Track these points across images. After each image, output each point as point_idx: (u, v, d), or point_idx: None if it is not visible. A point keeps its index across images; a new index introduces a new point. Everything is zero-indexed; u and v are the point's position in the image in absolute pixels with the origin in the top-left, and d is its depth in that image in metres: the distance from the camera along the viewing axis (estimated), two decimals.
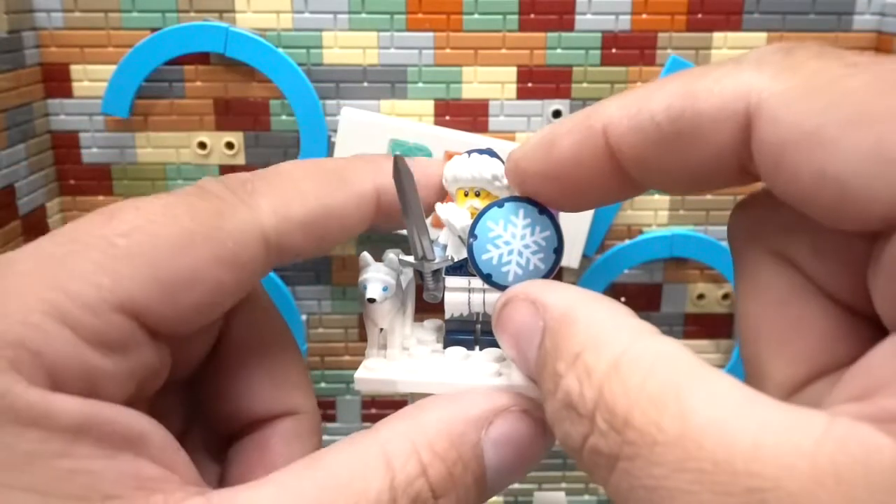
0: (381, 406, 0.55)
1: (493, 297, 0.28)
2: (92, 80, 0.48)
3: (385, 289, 0.28)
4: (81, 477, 0.20)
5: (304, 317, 0.53)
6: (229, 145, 0.49)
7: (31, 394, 0.20)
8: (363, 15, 0.48)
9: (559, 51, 0.49)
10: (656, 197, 0.51)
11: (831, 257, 0.22)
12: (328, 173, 0.28)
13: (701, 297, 0.53)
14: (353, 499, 0.22)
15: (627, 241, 0.51)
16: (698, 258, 0.51)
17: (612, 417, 0.19)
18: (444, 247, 0.29)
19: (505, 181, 0.28)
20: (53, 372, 0.21)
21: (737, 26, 0.48)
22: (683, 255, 0.51)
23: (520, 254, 0.27)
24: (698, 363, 0.20)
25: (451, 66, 0.49)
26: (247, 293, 0.26)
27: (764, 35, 0.49)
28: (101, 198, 0.50)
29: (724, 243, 0.47)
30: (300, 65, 0.47)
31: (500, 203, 0.27)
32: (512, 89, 0.49)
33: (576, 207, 0.26)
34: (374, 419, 0.55)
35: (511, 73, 0.49)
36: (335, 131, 0.48)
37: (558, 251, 0.27)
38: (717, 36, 0.49)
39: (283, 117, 0.49)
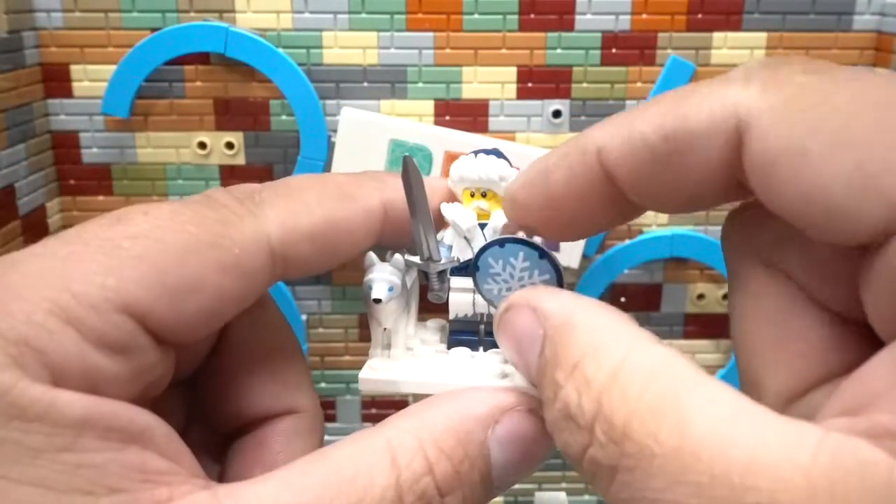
0: (381, 406, 0.55)
1: None
2: (92, 80, 0.48)
3: (391, 289, 0.28)
4: (87, 471, 0.20)
5: (304, 317, 0.53)
6: (229, 145, 0.49)
7: (35, 389, 0.20)
8: (363, 15, 0.48)
9: (559, 51, 0.49)
10: None
11: (823, 268, 0.23)
12: (335, 188, 0.28)
13: (701, 297, 0.53)
14: (358, 495, 0.22)
15: (627, 241, 0.51)
16: (698, 258, 0.51)
17: (611, 429, 0.19)
18: (450, 247, 0.29)
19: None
20: (56, 370, 0.21)
21: (737, 26, 0.49)
22: (683, 256, 0.51)
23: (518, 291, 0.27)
24: (696, 372, 0.20)
25: (451, 66, 0.49)
26: (251, 303, 0.26)
27: (764, 35, 0.49)
28: (101, 198, 0.50)
29: None
30: (300, 65, 0.47)
31: (501, 242, 0.27)
32: (512, 89, 0.49)
33: (576, 236, 0.27)
34: (374, 419, 0.55)
35: (511, 73, 0.49)
36: (335, 131, 0.48)
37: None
38: (717, 36, 0.49)
39: (283, 117, 0.49)
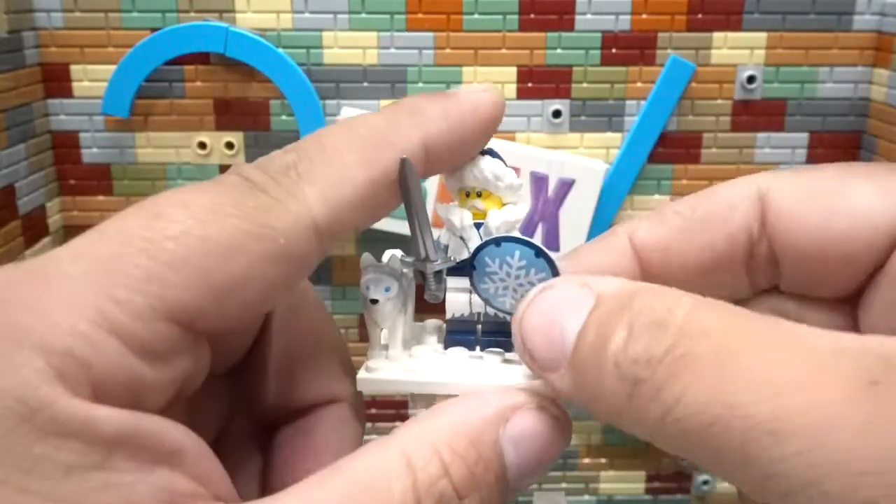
0: (381, 406, 0.55)
1: None
2: (92, 80, 0.48)
3: (387, 289, 0.28)
4: (116, 490, 0.20)
5: None
6: (229, 145, 0.49)
7: (73, 405, 0.20)
8: (363, 15, 0.48)
9: (559, 51, 0.49)
10: (656, 197, 0.51)
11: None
12: (371, 137, 0.26)
13: None
14: (377, 502, 0.22)
15: None
16: None
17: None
18: (446, 247, 0.29)
19: (507, 181, 0.28)
20: (99, 382, 0.20)
21: (737, 26, 0.48)
22: None
23: (514, 290, 0.27)
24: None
25: (451, 66, 0.49)
26: (298, 285, 0.26)
27: (764, 35, 0.49)
28: (100, 198, 0.50)
29: None
30: (300, 65, 0.47)
31: (497, 241, 0.27)
32: (512, 89, 0.49)
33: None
34: (374, 419, 0.55)
35: (511, 73, 0.49)
36: None
37: None
38: (717, 36, 0.49)
39: (283, 117, 0.49)
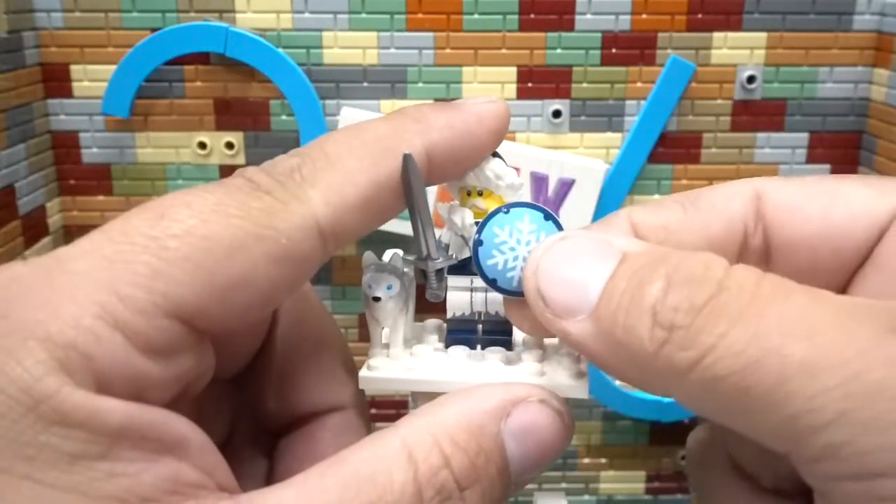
0: (381, 406, 0.55)
1: (495, 296, 0.28)
2: (92, 80, 0.48)
3: (389, 288, 0.28)
4: (120, 479, 0.20)
5: None
6: (229, 145, 0.49)
7: (77, 396, 0.20)
8: (363, 15, 0.48)
9: (559, 51, 0.49)
10: (656, 197, 0.51)
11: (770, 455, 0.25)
12: (375, 143, 0.26)
13: None
14: (377, 492, 0.22)
15: None
16: None
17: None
18: (447, 246, 0.29)
19: (507, 180, 0.28)
20: (102, 376, 0.21)
21: (737, 26, 0.49)
22: None
23: (524, 259, 0.27)
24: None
25: (451, 66, 0.49)
26: (301, 287, 0.26)
27: (764, 35, 0.49)
28: (100, 198, 0.50)
29: None
30: (300, 65, 0.47)
31: (505, 208, 0.27)
32: (512, 89, 0.49)
33: None
34: (374, 419, 0.55)
35: (511, 73, 0.49)
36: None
37: None
38: (717, 36, 0.49)
39: (283, 117, 0.49)
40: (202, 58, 0.48)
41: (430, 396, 0.28)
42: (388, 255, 0.29)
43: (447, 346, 0.30)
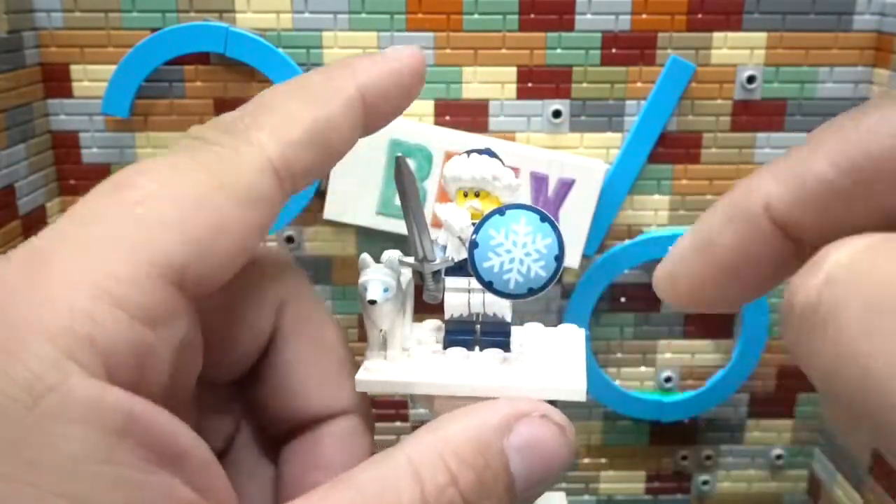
0: (380, 406, 0.55)
1: (493, 298, 0.28)
2: (92, 80, 0.48)
3: (386, 290, 0.28)
4: (122, 488, 0.20)
5: None
6: None
7: (83, 387, 0.20)
8: (363, 15, 0.48)
9: (559, 51, 0.49)
10: (656, 197, 0.51)
11: None
12: (311, 89, 0.27)
13: None
14: None
15: (627, 241, 0.51)
16: None
17: None
18: (444, 247, 0.29)
19: (505, 181, 0.28)
20: (106, 354, 0.20)
21: (737, 26, 0.48)
22: None
23: (521, 262, 0.27)
24: None
25: (451, 66, 0.49)
26: (271, 227, 0.26)
27: (764, 35, 0.49)
28: None
29: None
30: (300, 65, 0.47)
31: (501, 210, 0.27)
32: (512, 89, 0.49)
33: (739, 304, 0.24)
34: (374, 419, 0.55)
35: (511, 73, 0.49)
36: None
37: (559, 258, 0.27)
38: (717, 36, 0.49)
39: None
40: (202, 58, 0.48)
41: (428, 398, 0.28)
42: (385, 257, 0.29)
43: (445, 348, 0.30)
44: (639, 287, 0.53)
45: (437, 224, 0.29)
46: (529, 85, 0.49)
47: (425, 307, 0.30)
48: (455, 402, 0.27)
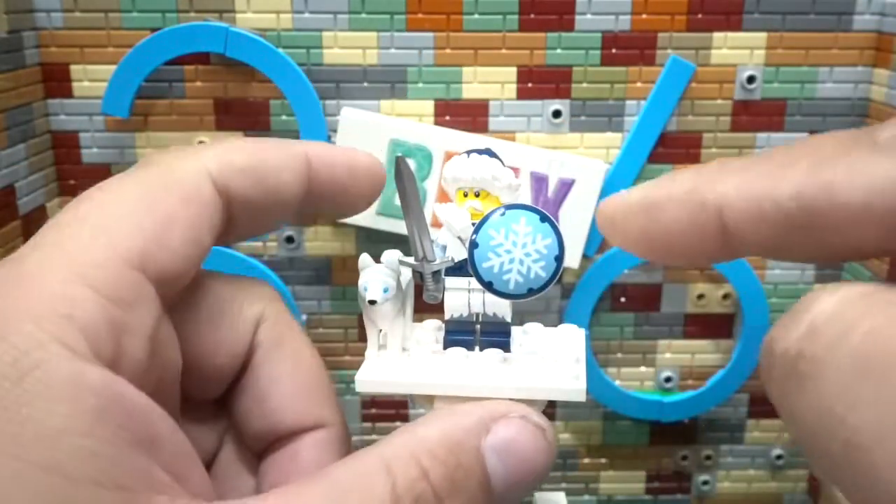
0: (381, 406, 0.55)
1: (493, 298, 0.28)
2: (92, 80, 0.48)
3: (386, 290, 0.28)
4: (100, 460, 0.21)
5: (304, 317, 0.53)
6: None
7: (65, 365, 0.21)
8: (363, 15, 0.48)
9: (559, 51, 0.49)
10: None
11: None
12: (263, 140, 0.30)
13: (701, 297, 0.53)
14: (357, 503, 0.23)
15: None
16: None
17: None
18: (444, 247, 0.29)
19: (504, 181, 0.28)
20: (86, 332, 0.22)
21: (737, 26, 0.48)
22: None
23: (521, 262, 0.27)
24: None
25: (451, 66, 0.49)
26: (220, 230, 0.28)
27: (764, 35, 0.49)
28: None
29: None
30: (300, 65, 0.47)
31: (501, 210, 0.27)
32: (512, 89, 0.49)
33: (668, 264, 0.26)
34: (374, 419, 0.55)
35: (511, 73, 0.49)
36: (335, 131, 0.48)
37: (559, 259, 0.27)
38: (717, 36, 0.49)
39: (283, 117, 0.49)
40: (202, 58, 0.48)
41: (428, 398, 0.28)
42: (385, 257, 0.29)
43: (445, 348, 0.30)
44: (639, 287, 0.53)
45: (437, 224, 0.29)
46: (529, 85, 0.49)
47: (425, 307, 0.30)
48: (455, 402, 0.27)
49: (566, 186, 0.48)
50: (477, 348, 0.30)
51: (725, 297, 0.54)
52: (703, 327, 0.54)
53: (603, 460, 0.57)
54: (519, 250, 0.27)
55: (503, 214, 0.27)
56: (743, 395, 0.56)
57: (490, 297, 0.28)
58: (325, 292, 0.53)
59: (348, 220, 0.49)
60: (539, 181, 0.48)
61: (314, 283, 0.52)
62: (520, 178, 0.47)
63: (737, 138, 0.51)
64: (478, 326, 0.30)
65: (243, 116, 0.49)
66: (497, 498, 0.25)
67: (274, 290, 0.31)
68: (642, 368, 0.55)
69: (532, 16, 0.48)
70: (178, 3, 0.47)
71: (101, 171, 0.50)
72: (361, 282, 0.29)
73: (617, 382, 0.55)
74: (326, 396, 0.31)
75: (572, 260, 0.49)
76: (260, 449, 0.30)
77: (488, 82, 0.49)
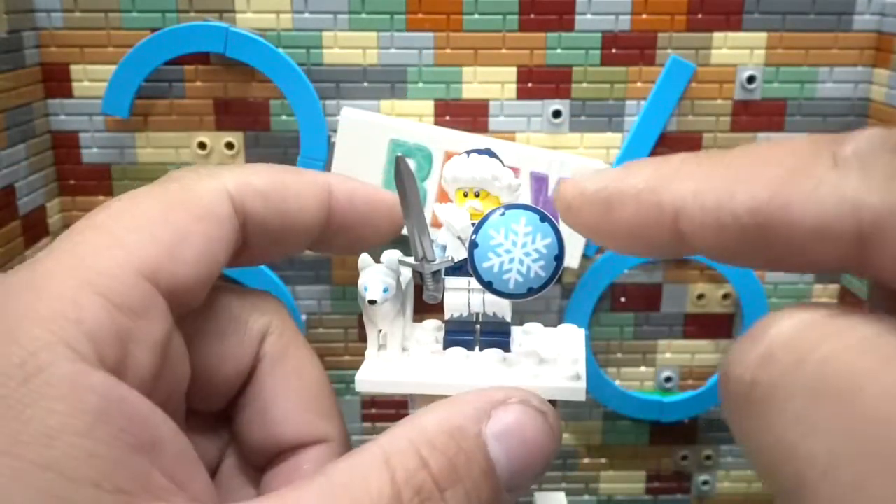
0: (381, 406, 0.55)
1: (493, 298, 0.28)
2: (92, 80, 0.48)
3: (385, 290, 0.28)
4: (99, 462, 0.21)
5: (304, 317, 0.53)
6: (229, 145, 0.49)
7: (69, 368, 0.21)
8: (363, 15, 0.48)
9: (559, 51, 0.49)
10: None
11: None
12: (284, 167, 0.30)
13: (701, 297, 0.53)
14: (354, 498, 0.22)
15: None
16: (698, 258, 0.51)
17: None
18: (444, 247, 0.29)
19: (504, 181, 0.29)
20: (94, 337, 0.22)
21: (737, 26, 0.48)
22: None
23: (520, 262, 0.27)
24: None
25: (451, 66, 0.49)
26: (235, 247, 0.28)
27: (764, 35, 0.49)
28: (101, 198, 0.50)
29: None
30: (300, 65, 0.47)
31: (501, 210, 0.27)
32: (512, 89, 0.49)
33: (625, 254, 0.26)
34: (374, 419, 0.55)
35: (511, 73, 0.49)
36: (335, 131, 0.48)
37: (559, 258, 0.27)
38: (717, 36, 0.49)
39: (283, 117, 0.49)
40: (202, 58, 0.48)
41: (428, 398, 0.28)
42: (385, 257, 0.29)
43: (445, 348, 0.30)
44: (639, 287, 0.53)
45: (437, 224, 0.29)
46: (529, 85, 0.49)
47: (425, 307, 0.30)
48: None
49: None
50: (477, 348, 0.30)
51: (725, 297, 0.54)
52: (703, 327, 0.54)
53: (603, 460, 0.57)
54: (519, 250, 0.27)
55: (503, 214, 0.27)
56: None
57: (490, 296, 0.28)
58: (325, 292, 0.53)
59: None
60: (539, 181, 0.48)
61: (314, 283, 0.52)
62: (520, 178, 0.47)
63: (737, 138, 0.51)
64: (478, 326, 0.30)
65: (243, 116, 0.49)
66: (503, 486, 0.25)
67: (281, 304, 0.31)
68: (642, 368, 0.55)
69: (532, 16, 0.48)
70: (178, 3, 0.47)
71: (101, 171, 0.50)
72: (361, 282, 0.29)
73: (617, 382, 0.55)
74: (329, 411, 0.31)
75: (572, 260, 0.49)
76: (262, 462, 0.30)
77: (488, 82, 0.49)
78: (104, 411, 0.21)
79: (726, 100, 0.50)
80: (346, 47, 0.48)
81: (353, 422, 0.55)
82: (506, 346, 0.29)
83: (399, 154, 0.27)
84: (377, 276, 0.28)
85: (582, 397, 0.28)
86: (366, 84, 0.49)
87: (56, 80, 0.48)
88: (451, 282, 0.29)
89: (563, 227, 0.27)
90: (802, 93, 0.50)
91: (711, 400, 0.54)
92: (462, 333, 0.30)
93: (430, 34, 0.48)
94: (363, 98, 0.49)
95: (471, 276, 0.28)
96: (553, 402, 0.27)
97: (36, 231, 0.47)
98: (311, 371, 0.31)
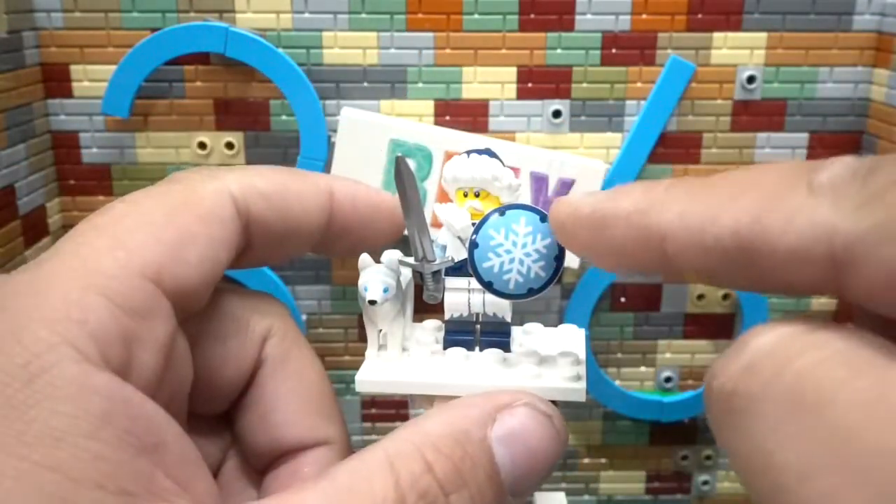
0: (381, 406, 0.55)
1: (493, 298, 0.28)
2: (92, 80, 0.48)
3: (386, 290, 0.28)
4: (103, 463, 0.21)
5: (304, 317, 0.53)
6: (229, 145, 0.49)
7: (73, 369, 0.21)
8: (363, 15, 0.48)
9: (559, 51, 0.49)
10: None
11: None
12: (286, 169, 0.31)
13: (701, 297, 0.53)
14: (358, 501, 0.22)
15: None
16: None
17: None
18: (444, 247, 0.29)
19: (505, 181, 0.28)
20: (98, 339, 0.22)
21: (737, 26, 0.48)
22: None
23: (521, 262, 0.27)
24: None
25: (451, 66, 0.49)
26: (239, 249, 0.28)
27: (764, 35, 0.49)
28: (101, 198, 0.50)
29: None
30: (300, 65, 0.47)
31: (501, 210, 0.27)
32: (512, 89, 0.49)
33: (615, 272, 0.27)
34: (374, 419, 0.55)
35: (511, 73, 0.49)
36: (335, 131, 0.48)
37: (559, 259, 0.27)
38: (717, 36, 0.49)
39: (283, 117, 0.49)
40: (202, 58, 0.48)
41: (428, 398, 0.28)
42: (385, 257, 0.29)
43: (445, 348, 0.30)
44: (639, 287, 0.53)
45: (437, 224, 0.29)
46: (529, 85, 0.49)
47: (425, 307, 0.30)
48: None
49: (566, 186, 0.48)
50: (477, 348, 0.30)
51: (725, 297, 0.54)
52: (703, 327, 0.54)
53: (603, 460, 0.57)
54: (519, 250, 0.27)
55: (503, 214, 0.27)
56: None
57: (490, 297, 0.28)
58: (325, 292, 0.53)
59: None
60: (539, 181, 0.48)
61: (314, 283, 0.52)
62: (520, 178, 0.47)
63: (737, 138, 0.51)
64: (478, 326, 0.30)
65: (243, 116, 0.49)
66: (507, 490, 0.25)
67: (283, 306, 0.31)
68: (642, 368, 0.55)
69: (532, 16, 0.48)
70: (178, 3, 0.47)
71: (101, 171, 0.50)
72: (361, 282, 0.29)
73: (617, 382, 0.55)
74: (330, 413, 0.31)
75: (572, 260, 0.49)
76: (263, 465, 0.30)
77: (488, 82, 0.49)
78: (109, 413, 0.21)
79: (726, 100, 0.50)
80: (346, 47, 0.48)
81: (353, 422, 0.55)
82: (506, 347, 0.29)
83: (399, 154, 0.27)
84: (377, 277, 0.28)
85: (582, 398, 0.28)
86: (366, 84, 0.49)
87: (56, 80, 0.48)
88: (451, 282, 0.29)
89: None
90: (802, 93, 0.50)
91: None
92: (462, 333, 0.30)
93: (430, 34, 0.48)
94: (363, 98, 0.49)
95: (471, 276, 0.28)
96: (553, 403, 0.27)
97: (36, 231, 0.47)
98: (312, 373, 0.31)
